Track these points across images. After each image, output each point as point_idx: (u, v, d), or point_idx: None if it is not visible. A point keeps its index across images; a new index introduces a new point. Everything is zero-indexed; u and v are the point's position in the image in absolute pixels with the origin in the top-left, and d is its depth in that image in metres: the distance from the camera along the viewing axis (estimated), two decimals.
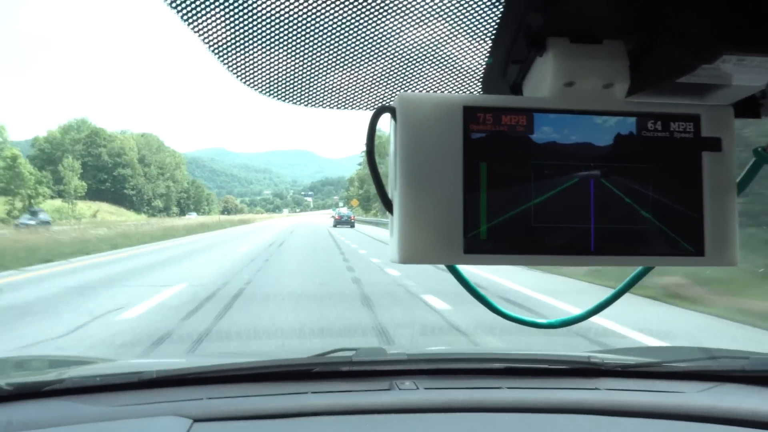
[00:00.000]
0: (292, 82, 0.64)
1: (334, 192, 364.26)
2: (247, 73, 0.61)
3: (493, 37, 0.57)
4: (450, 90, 0.68)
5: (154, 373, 1.39)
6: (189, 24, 0.53)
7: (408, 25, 0.55)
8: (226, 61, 0.59)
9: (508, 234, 0.50)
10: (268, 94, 0.66)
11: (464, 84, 0.67)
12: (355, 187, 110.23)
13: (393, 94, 0.68)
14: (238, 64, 0.59)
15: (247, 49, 0.57)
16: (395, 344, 5.25)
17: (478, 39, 0.57)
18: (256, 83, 0.63)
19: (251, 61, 0.59)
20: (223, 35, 0.55)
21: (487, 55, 0.60)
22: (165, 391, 1.36)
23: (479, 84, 0.65)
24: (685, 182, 0.53)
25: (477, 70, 0.63)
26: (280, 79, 0.63)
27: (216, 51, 0.57)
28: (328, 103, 0.68)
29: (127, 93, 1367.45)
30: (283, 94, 0.66)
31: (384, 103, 0.68)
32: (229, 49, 0.57)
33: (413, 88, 0.67)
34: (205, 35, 0.54)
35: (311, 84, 0.64)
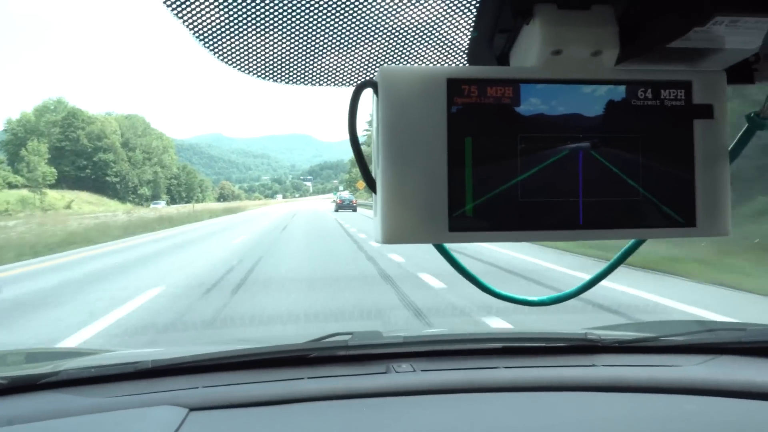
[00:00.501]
0: (274, 60, 0.62)
1: (333, 176, 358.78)
2: (231, 55, 0.60)
3: (478, 5, 0.55)
4: (435, 63, 0.65)
5: (150, 362, 1.39)
6: (174, 13, 0.52)
7: None
8: (210, 45, 0.58)
9: (495, 210, 0.49)
10: (254, 74, 0.64)
11: (450, 57, 0.63)
12: (356, 169, 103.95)
13: (372, 69, 0.65)
14: (222, 46, 0.58)
15: (229, 32, 0.56)
16: (392, 327, 5.09)
17: (463, 9, 0.55)
18: (239, 64, 0.62)
19: (234, 43, 0.58)
20: (206, 19, 0.54)
21: (473, 25, 0.57)
22: (160, 381, 1.35)
23: (464, 56, 0.63)
24: (676, 151, 0.52)
25: (462, 42, 0.61)
26: (263, 58, 0.61)
27: (199, 34, 0.56)
28: (313, 81, 0.66)
29: (121, 80, 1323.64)
30: (268, 73, 0.64)
31: (363, 77, 0.66)
32: (213, 32, 0.56)
33: (398, 63, 0.64)
34: (189, 22, 0.54)
35: (295, 62, 0.62)
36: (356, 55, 0.62)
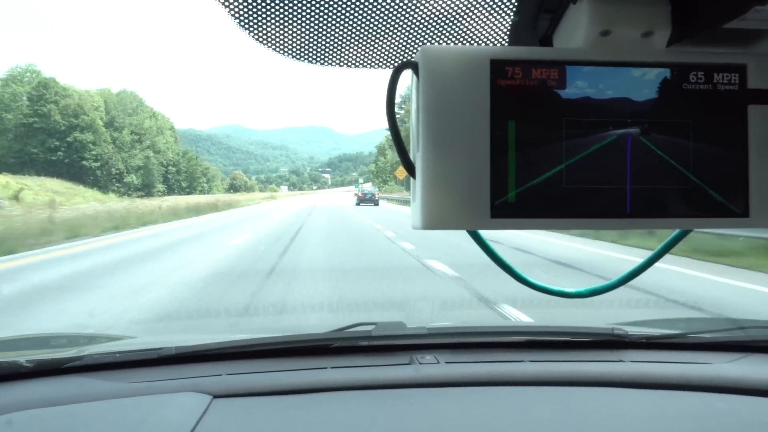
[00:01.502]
0: (312, 41, 0.60)
1: (352, 168, 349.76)
2: (265, 33, 0.58)
3: None
4: (473, 44, 0.63)
5: (173, 349, 1.38)
6: None
7: None
8: (247, 26, 0.57)
9: (538, 197, 0.48)
10: (287, 54, 0.62)
11: (490, 39, 0.62)
12: (386, 158, 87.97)
13: (410, 50, 0.63)
14: (260, 27, 0.57)
15: (268, 13, 0.55)
16: (415, 318, 5.06)
17: None
18: (275, 44, 0.60)
19: (269, 21, 0.56)
20: (246, 0, 0.53)
21: (516, 5, 0.55)
22: (184, 368, 1.35)
23: (505, 38, 0.61)
24: (729, 138, 0.49)
25: (503, 23, 0.59)
26: (298, 38, 0.60)
27: (237, 15, 0.55)
28: (349, 63, 0.64)
29: (141, 69, 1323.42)
30: (303, 54, 0.63)
31: (401, 58, 0.64)
32: (252, 13, 0.55)
33: (433, 43, 0.62)
34: (227, 2, 0.52)
35: (333, 43, 0.61)
36: (393, 37, 0.60)
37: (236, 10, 0.54)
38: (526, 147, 0.47)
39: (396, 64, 0.61)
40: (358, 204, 41.85)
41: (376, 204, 41.80)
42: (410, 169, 0.50)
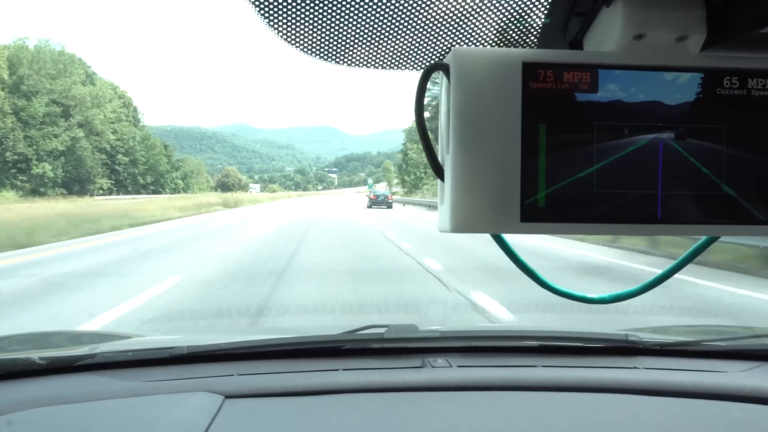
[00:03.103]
0: (340, 42, 0.59)
1: (360, 168, 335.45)
2: (296, 36, 0.58)
3: None
4: (502, 46, 0.61)
5: (185, 348, 1.38)
6: None
7: None
8: (276, 25, 0.56)
9: (568, 201, 0.47)
10: (319, 56, 0.62)
11: (519, 41, 0.61)
12: (413, 158, 71.98)
13: (440, 54, 0.62)
14: (288, 27, 0.56)
15: (297, 13, 0.54)
16: (427, 320, 5.06)
17: None
18: (305, 46, 0.59)
19: (295, 19, 0.56)
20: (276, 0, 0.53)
21: (547, 7, 0.55)
22: (196, 367, 1.35)
23: (535, 40, 0.60)
24: (762, 145, 0.49)
25: (533, 25, 0.58)
26: (330, 40, 0.59)
27: (266, 14, 0.54)
28: (377, 64, 0.63)
29: (151, 65, 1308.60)
30: (333, 56, 0.62)
31: (430, 60, 0.63)
32: (281, 12, 0.54)
33: (461, 44, 0.61)
34: (257, 3, 0.52)
35: (362, 45, 0.60)
36: (422, 39, 0.59)
37: (261, 6, 0.53)
38: (557, 150, 0.47)
39: (420, 65, 0.62)
40: (369, 206, 39.56)
41: (390, 207, 39.45)
42: (439, 171, 0.49)
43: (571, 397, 1.24)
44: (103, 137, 67.73)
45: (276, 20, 0.55)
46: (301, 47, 0.59)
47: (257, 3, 0.53)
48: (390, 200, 41.12)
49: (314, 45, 0.59)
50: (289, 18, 0.55)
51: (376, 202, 40.08)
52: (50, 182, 57.36)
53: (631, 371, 1.36)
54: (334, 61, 0.62)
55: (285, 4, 0.53)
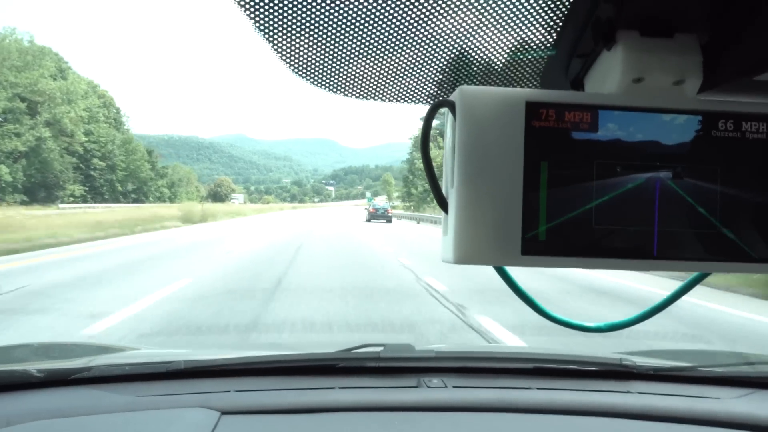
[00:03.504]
0: (344, 72, 0.61)
1: (358, 181, 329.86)
2: (302, 66, 0.59)
3: (558, 29, 0.54)
4: (505, 85, 0.64)
5: (182, 363, 1.38)
6: (266, 37, 0.53)
7: (468, 16, 0.53)
8: (287, 58, 0.57)
9: (568, 236, 0.49)
10: (322, 86, 0.63)
11: (521, 78, 0.63)
12: (421, 168, 60.78)
13: (443, 87, 0.65)
14: (295, 55, 0.58)
15: (303, 40, 0.55)
16: (424, 341, 4.98)
17: (542, 31, 0.55)
18: (311, 76, 0.61)
19: (307, 54, 0.57)
20: (288, 37, 0.54)
21: (550, 48, 0.56)
22: (192, 383, 1.35)
23: (537, 79, 0.62)
24: (755, 185, 0.50)
25: (537, 64, 0.60)
26: (331, 68, 0.60)
27: (279, 49, 0.56)
28: (383, 97, 0.66)
29: (150, 74, 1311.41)
30: (335, 86, 0.64)
31: (435, 95, 0.66)
32: (285, 39, 0.55)
33: (466, 81, 0.64)
34: (259, 20, 0.53)
35: (364, 75, 0.62)
36: (426, 76, 0.62)
37: (273, 39, 0.54)
38: (558, 187, 0.48)
39: (425, 100, 0.65)
40: (369, 220, 38.64)
41: (389, 221, 38.58)
42: (443, 204, 0.51)
43: (564, 420, 1.25)
44: (75, 138, 60.35)
45: (287, 54, 0.57)
46: (312, 80, 0.61)
47: (270, 38, 0.54)
48: (389, 214, 40.14)
49: (324, 78, 0.61)
50: (300, 52, 0.56)
51: (376, 215, 39.16)
52: (8, 187, 50.62)
53: (625, 395, 1.38)
54: (342, 94, 0.64)
55: (297, 39, 0.54)
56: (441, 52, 0.58)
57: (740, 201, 0.50)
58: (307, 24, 0.53)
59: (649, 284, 8.88)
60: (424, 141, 0.51)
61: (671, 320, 5.75)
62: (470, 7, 0.52)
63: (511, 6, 0.52)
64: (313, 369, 1.44)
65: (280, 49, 0.56)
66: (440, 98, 0.65)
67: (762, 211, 0.50)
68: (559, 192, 0.48)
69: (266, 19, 0.52)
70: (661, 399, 1.35)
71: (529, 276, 7.92)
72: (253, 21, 0.52)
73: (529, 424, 1.23)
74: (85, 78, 72.13)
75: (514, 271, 0.58)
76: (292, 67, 0.59)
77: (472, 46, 0.57)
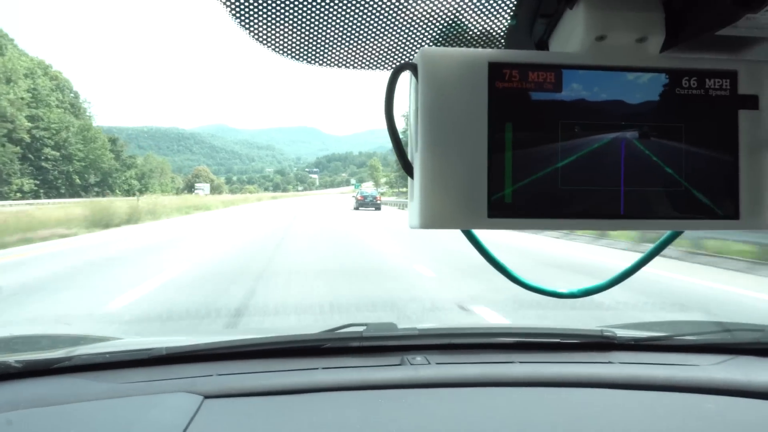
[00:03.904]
0: (310, 42, 0.61)
1: (342, 168, 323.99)
2: (262, 32, 0.59)
3: None
4: (469, 47, 0.63)
5: (164, 349, 1.38)
6: None
7: None
8: (245, 23, 0.57)
9: (535, 197, 0.49)
10: (284, 53, 0.62)
11: (486, 42, 0.62)
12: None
13: (408, 51, 0.64)
14: (258, 26, 0.57)
15: (266, 12, 0.55)
16: (406, 319, 4.96)
17: None
18: (270, 42, 0.61)
19: (266, 20, 0.57)
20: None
21: (513, 9, 0.56)
22: (175, 368, 1.35)
23: (502, 41, 0.62)
24: (720, 142, 0.51)
25: (500, 27, 0.59)
26: (294, 37, 0.60)
27: (235, 12, 0.55)
28: (347, 64, 0.65)
29: (131, 65, 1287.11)
30: (299, 54, 0.63)
31: (399, 60, 0.65)
32: (250, 11, 0.55)
33: (429, 45, 0.63)
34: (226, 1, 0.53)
35: (331, 44, 0.62)
36: (388, 38, 0.61)
37: (234, 8, 0.54)
38: (523, 148, 0.48)
39: (391, 65, 0.64)
40: (357, 208, 37.40)
41: (378, 208, 37.25)
42: (408, 169, 0.51)
43: (548, 392, 1.27)
44: (17, 124, 51.32)
45: (249, 22, 0.56)
46: (274, 47, 0.61)
47: (230, 4, 0.54)
48: (378, 201, 38.75)
49: (286, 46, 0.61)
50: (262, 19, 0.56)
51: (364, 203, 37.89)
52: None
53: (607, 366, 1.39)
54: (306, 62, 0.64)
55: (258, 6, 0.54)
56: (402, 14, 0.57)
57: (705, 158, 0.50)
58: None
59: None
60: (388, 105, 0.50)
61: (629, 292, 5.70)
62: None
63: None
64: (296, 351, 1.44)
65: (244, 19, 0.56)
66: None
67: (726, 167, 0.51)
68: (524, 153, 0.48)
69: None
70: (642, 368, 1.37)
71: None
72: None
73: (513, 397, 1.25)
74: (35, 58, 64.48)
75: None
76: (254, 36, 0.58)
77: (436, 9, 0.56)
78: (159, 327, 5.03)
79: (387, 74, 0.51)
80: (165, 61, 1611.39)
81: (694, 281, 7.49)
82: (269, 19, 0.56)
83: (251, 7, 0.54)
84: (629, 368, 1.37)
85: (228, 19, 0.56)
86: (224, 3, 0.53)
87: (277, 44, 0.60)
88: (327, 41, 0.60)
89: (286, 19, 0.56)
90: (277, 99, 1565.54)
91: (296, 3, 0.54)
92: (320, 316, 5.34)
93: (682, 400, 1.24)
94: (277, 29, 0.58)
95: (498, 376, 1.32)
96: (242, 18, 0.56)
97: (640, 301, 5.51)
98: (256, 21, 0.56)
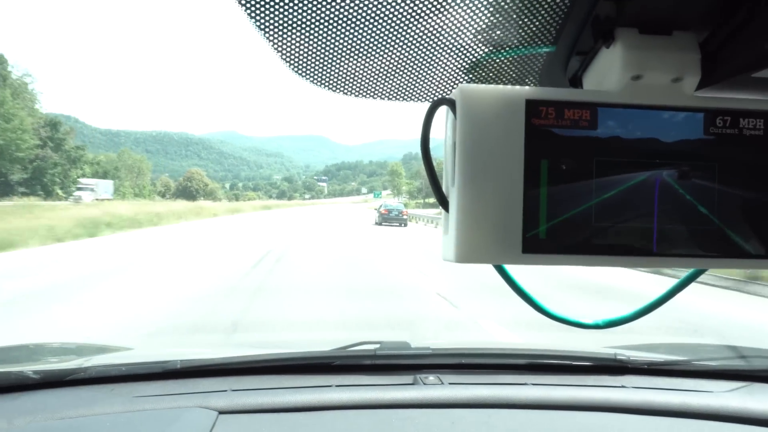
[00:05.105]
0: (350, 75, 0.61)
1: (352, 177, 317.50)
2: (302, 64, 0.59)
3: (558, 27, 0.54)
4: (503, 82, 0.64)
5: (178, 363, 1.38)
6: (266, 37, 0.53)
7: (471, 13, 0.53)
8: (286, 57, 0.58)
9: (568, 233, 0.49)
10: (321, 84, 0.63)
11: (519, 76, 0.63)
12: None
13: (443, 85, 0.65)
14: (295, 54, 0.58)
15: (303, 40, 0.55)
16: (420, 338, 4.99)
17: (541, 28, 0.55)
18: (310, 75, 0.61)
19: (305, 52, 0.57)
20: (288, 36, 0.54)
21: (550, 45, 0.57)
22: (189, 382, 1.35)
23: (536, 77, 0.62)
24: (753, 182, 0.51)
25: (535, 62, 0.60)
26: (333, 69, 0.60)
27: (279, 47, 0.56)
28: (381, 95, 0.66)
29: (141, 69, 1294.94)
30: (337, 86, 0.64)
31: (432, 93, 0.66)
32: (293, 45, 0.56)
33: (465, 79, 0.63)
34: (258, 18, 0.53)
35: (369, 77, 0.62)
36: (428, 73, 0.62)
37: (275, 41, 0.55)
38: (558, 185, 0.48)
39: (426, 98, 0.65)
40: (379, 223, 34.12)
41: (405, 225, 34.11)
42: (443, 203, 0.51)
43: (560, 415, 1.26)
44: None
45: (286, 52, 0.57)
46: (310, 78, 0.61)
47: (269, 36, 0.54)
48: (405, 216, 35.60)
49: (322, 76, 0.61)
50: (299, 50, 0.57)
51: (389, 217, 34.98)
52: None
53: (620, 390, 1.38)
54: (341, 92, 0.64)
55: (297, 37, 0.55)
56: (439, 49, 0.57)
57: (738, 197, 0.50)
58: (305, 21, 0.53)
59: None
60: (424, 139, 0.50)
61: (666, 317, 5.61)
62: (469, 3, 0.51)
63: (511, 3, 0.52)
64: (309, 367, 1.45)
65: (279, 47, 0.56)
66: (438, 96, 0.64)
67: (759, 207, 0.50)
68: (559, 190, 0.48)
69: (265, 16, 0.52)
70: (655, 393, 1.36)
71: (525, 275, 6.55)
72: (252, 18, 0.52)
73: (525, 419, 1.24)
74: None
75: (513, 270, 0.58)
76: (290, 66, 0.58)
77: (471, 44, 0.56)
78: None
79: (413, 104, 0.49)
80: (179, 68, 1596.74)
81: (711, 305, 7.46)
82: (306, 49, 0.56)
83: (289, 38, 0.55)
84: (642, 393, 1.36)
85: (264, 46, 0.56)
86: (265, 36, 0.54)
87: (313, 75, 0.61)
88: (361, 72, 0.61)
89: (322, 48, 0.56)
90: (288, 107, 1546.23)
91: (332, 34, 0.55)
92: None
93: (695, 427, 1.23)
94: (314, 59, 0.58)
95: (510, 398, 1.31)
96: (280, 47, 0.56)
97: (654, 324, 5.40)
98: (293, 51, 0.57)
